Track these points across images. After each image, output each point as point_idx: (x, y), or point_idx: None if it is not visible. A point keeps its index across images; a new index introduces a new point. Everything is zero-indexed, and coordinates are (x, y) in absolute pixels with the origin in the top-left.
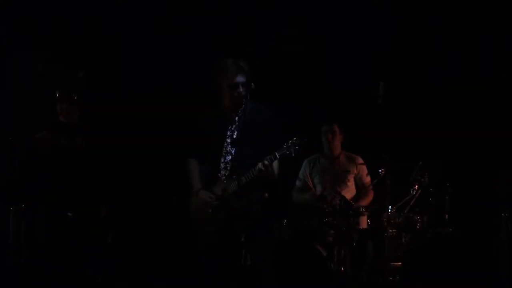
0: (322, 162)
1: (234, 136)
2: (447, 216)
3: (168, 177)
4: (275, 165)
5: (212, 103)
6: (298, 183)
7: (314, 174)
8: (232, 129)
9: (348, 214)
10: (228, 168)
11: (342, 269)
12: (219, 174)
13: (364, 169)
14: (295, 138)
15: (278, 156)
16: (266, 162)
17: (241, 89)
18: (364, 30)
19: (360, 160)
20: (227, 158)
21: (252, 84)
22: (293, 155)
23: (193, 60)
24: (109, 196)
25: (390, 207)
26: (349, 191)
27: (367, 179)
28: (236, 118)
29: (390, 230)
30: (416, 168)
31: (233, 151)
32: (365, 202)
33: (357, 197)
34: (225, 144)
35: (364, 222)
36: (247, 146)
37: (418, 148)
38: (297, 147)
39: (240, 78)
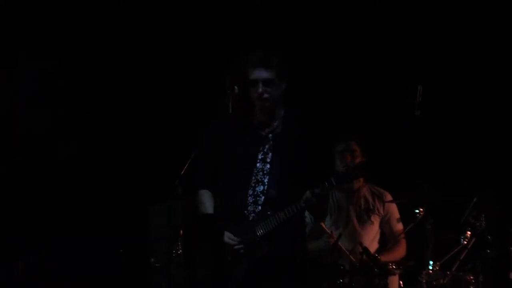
0: (337, 197)
1: (268, 160)
2: None
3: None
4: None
5: (242, 115)
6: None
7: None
8: (265, 150)
9: (372, 273)
10: (259, 202)
11: None
12: (246, 211)
13: (394, 211)
14: (353, 166)
15: (334, 183)
16: (316, 190)
17: (260, 89)
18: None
19: (389, 198)
20: (257, 189)
21: (283, 84)
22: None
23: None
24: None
25: (431, 263)
26: (373, 240)
27: (398, 226)
28: (270, 135)
29: None
30: (469, 207)
31: (265, 180)
32: (396, 256)
33: (384, 249)
34: (255, 171)
35: (395, 284)
36: (286, 172)
37: (472, 178)
38: (359, 173)
39: (259, 73)
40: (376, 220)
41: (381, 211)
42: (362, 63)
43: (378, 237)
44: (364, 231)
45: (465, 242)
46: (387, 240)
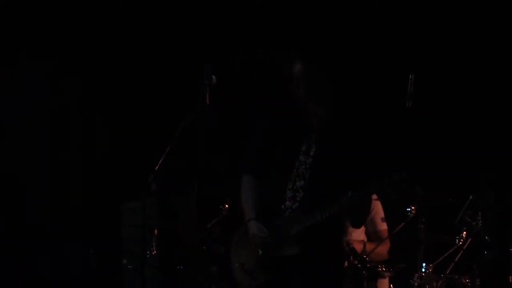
0: None
1: (312, 153)
2: None
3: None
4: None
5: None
6: None
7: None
8: (310, 142)
9: (360, 275)
10: (298, 198)
11: None
12: (283, 206)
13: (379, 209)
14: (403, 173)
15: (373, 190)
16: (353, 195)
17: (292, 83)
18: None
19: (375, 195)
20: (297, 183)
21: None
22: (393, 197)
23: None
24: None
25: (424, 265)
26: (357, 238)
27: (383, 225)
28: (316, 126)
29: None
30: (464, 206)
31: (307, 175)
32: (380, 255)
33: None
34: (297, 164)
35: (384, 287)
36: (330, 168)
37: (468, 176)
38: (404, 185)
39: (294, 68)
40: None
41: None
42: (349, 51)
43: (362, 235)
44: (348, 231)
45: (460, 243)
46: (370, 239)
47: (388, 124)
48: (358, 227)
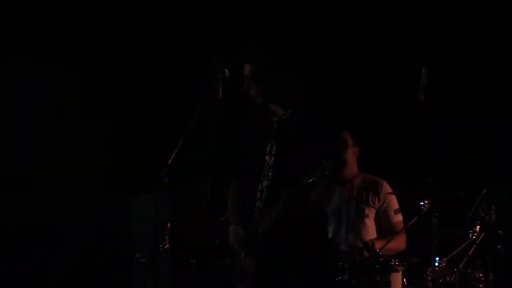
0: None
1: (273, 153)
2: None
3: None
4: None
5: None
6: None
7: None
8: (272, 142)
9: (373, 269)
10: (263, 197)
11: None
12: (254, 206)
13: (392, 202)
14: (325, 161)
15: (305, 183)
16: (289, 189)
17: (245, 85)
18: None
19: (387, 188)
20: (263, 183)
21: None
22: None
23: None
24: None
25: (437, 259)
26: (367, 235)
27: (397, 217)
28: (275, 125)
29: None
30: (477, 200)
31: (270, 174)
32: (393, 246)
33: (381, 238)
34: (265, 164)
35: (398, 282)
36: (284, 167)
37: (481, 169)
38: (327, 173)
39: (246, 70)
40: (371, 212)
41: (376, 203)
42: (361, 44)
43: (372, 231)
44: (359, 226)
45: (474, 237)
46: (384, 232)
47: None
48: (304, 216)
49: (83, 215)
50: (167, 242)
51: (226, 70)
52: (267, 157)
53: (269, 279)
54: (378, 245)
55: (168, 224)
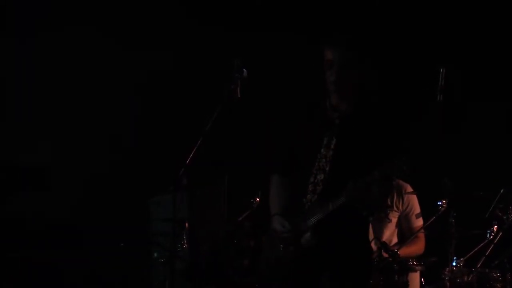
0: None
1: (332, 146)
2: None
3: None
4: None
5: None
6: None
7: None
8: (331, 136)
9: (391, 269)
10: (318, 191)
11: None
12: (304, 199)
13: (415, 205)
14: (403, 158)
15: (377, 176)
16: (358, 183)
17: (335, 70)
18: None
19: (410, 189)
20: (318, 177)
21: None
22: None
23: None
24: None
25: (455, 259)
26: (392, 236)
27: (418, 222)
28: (337, 120)
29: None
30: (495, 200)
31: (327, 168)
32: (415, 251)
33: (402, 244)
34: (319, 157)
35: (416, 282)
36: (347, 161)
37: (499, 169)
38: (404, 168)
39: (329, 54)
40: (394, 216)
41: (400, 207)
42: (380, 44)
43: (396, 232)
44: (381, 230)
45: (491, 237)
46: (405, 236)
47: (417, 117)
48: (372, 215)
49: (101, 215)
50: (185, 242)
51: (244, 70)
52: (323, 151)
53: (306, 273)
54: (401, 253)
55: (186, 224)
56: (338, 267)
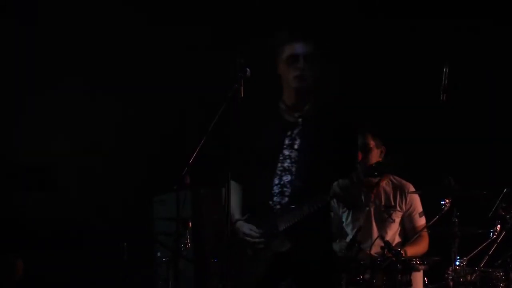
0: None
1: (296, 147)
2: None
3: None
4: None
5: (267, 100)
6: None
7: (344, 209)
8: (293, 136)
9: (394, 268)
10: (286, 193)
11: None
12: (271, 202)
13: (417, 204)
14: (389, 157)
15: (362, 176)
16: (342, 183)
17: (301, 64)
18: None
19: (412, 189)
20: (284, 178)
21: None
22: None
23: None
24: None
25: (458, 258)
26: (394, 235)
27: (421, 221)
28: (300, 119)
29: None
30: (498, 199)
31: (293, 169)
32: (417, 251)
33: (406, 244)
34: (281, 158)
35: (419, 281)
36: (315, 161)
37: (502, 168)
38: (393, 168)
39: (299, 48)
40: (397, 216)
41: (403, 207)
42: (381, 43)
43: (399, 231)
44: (384, 230)
45: (495, 236)
46: (408, 235)
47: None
48: (358, 210)
49: (105, 214)
50: (188, 241)
51: (247, 69)
52: (286, 152)
53: (270, 278)
54: (409, 252)
55: (190, 223)
56: (303, 273)
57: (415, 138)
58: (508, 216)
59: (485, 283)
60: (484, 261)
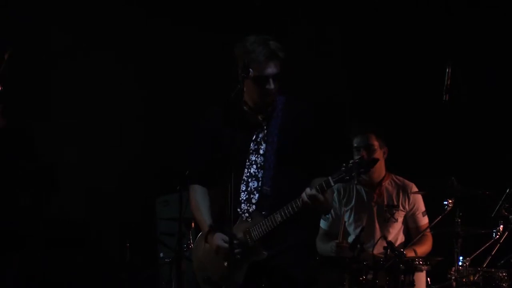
0: (359, 192)
1: (262, 151)
2: None
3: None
4: (329, 193)
5: (228, 103)
6: (323, 223)
7: (347, 208)
8: (258, 140)
9: (397, 269)
10: (254, 200)
11: None
12: (239, 209)
13: (420, 204)
14: (358, 158)
15: (333, 183)
16: (313, 191)
17: (272, 85)
18: None
19: (415, 189)
20: (251, 184)
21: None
22: (354, 181)
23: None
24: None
25: (461, 258)
26: (398, 235)
27: (424, 220)
28: (264, 123)
29: None
30: (501, 199)
31: (260, 174)
32: (421, 251)
33: (409, 244)
34: (248, 163)
35: (422, 281)
36: (283, 165)
37: (505, 169)
38: (362, 170)
39: (271, 69)
40: (400, 216)
41: (406, 206)
42: (384, 43)
43: (402, 231)
44: (387, 230)
45: (497, 236)
46: (411, 235)
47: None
48: (326, 214)
49: (108, 215)
50: (191, 241)
51: (250, 70)
52: (251, 156)
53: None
54: (408, 254)
55: (192, 224)
56: (281, 281)
57: (417, 138)
58: (510, 216)
59: (488, 283)
60: (487, 261)
